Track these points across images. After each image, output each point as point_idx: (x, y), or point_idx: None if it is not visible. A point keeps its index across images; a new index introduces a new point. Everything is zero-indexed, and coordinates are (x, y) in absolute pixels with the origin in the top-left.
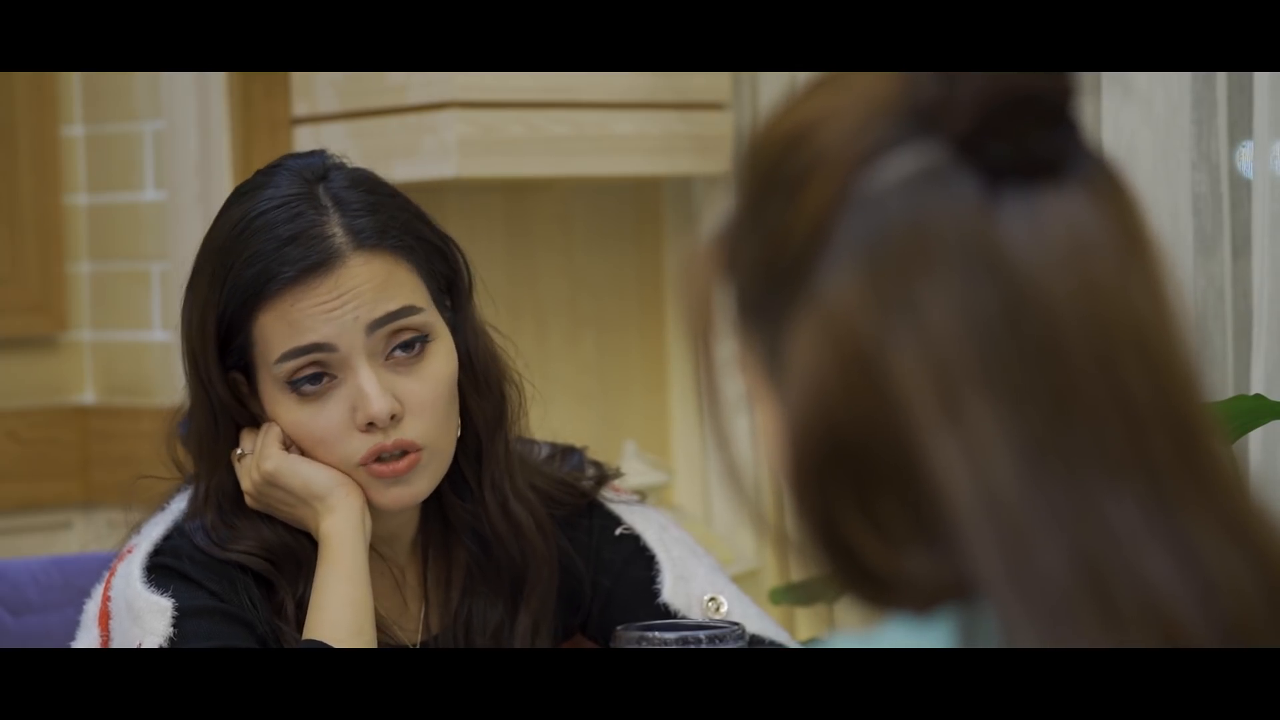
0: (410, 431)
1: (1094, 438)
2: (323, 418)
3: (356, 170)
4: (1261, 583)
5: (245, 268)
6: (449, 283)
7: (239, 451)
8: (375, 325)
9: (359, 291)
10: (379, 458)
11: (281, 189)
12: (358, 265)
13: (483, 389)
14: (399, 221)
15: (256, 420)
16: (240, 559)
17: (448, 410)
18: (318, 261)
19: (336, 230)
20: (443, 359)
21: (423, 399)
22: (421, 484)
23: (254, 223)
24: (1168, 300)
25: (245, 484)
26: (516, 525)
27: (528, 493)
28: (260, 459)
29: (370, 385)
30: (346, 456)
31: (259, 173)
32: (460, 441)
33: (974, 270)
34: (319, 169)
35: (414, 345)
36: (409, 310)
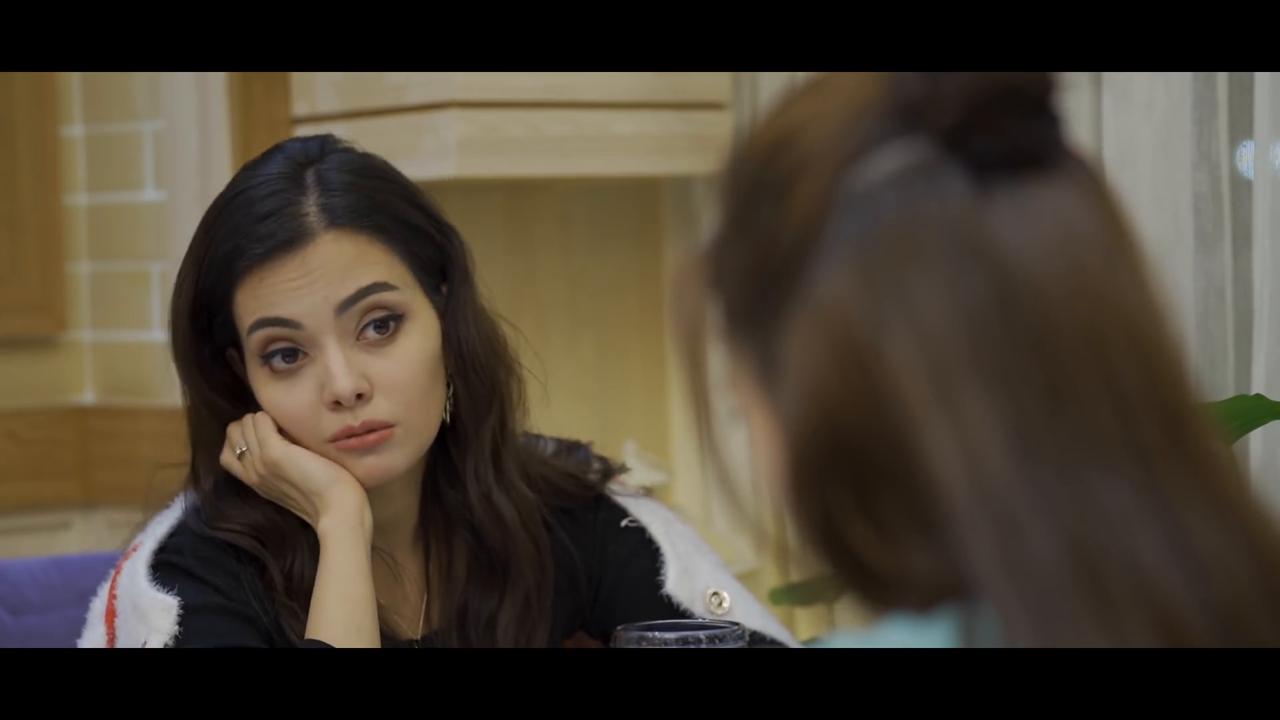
0: (380, 411)
1: (1086, 424)
2: (294, 395)
3: (355, 156)
4: (1254, 566)
5: (221, 243)
6: (440, 266)
7: (239, 450)
8: (345, 305)
9: (326, 270)
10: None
11: (271, 169)
12: (327, 243)
13: (470, 377)
14: (378, 202)
15: (249, 402)
16: (230, 538)
17: (425, 389)
18: (286, 239)
19: (311, 209)
20: (417, 339)
21: (393, 378)
22: (395, 457)
23: (234, 200)
24: (1154, 291)
25: (252, 477)
26: (498, 516)
27: (518, 484)
28: (264, 448)
29: (336, 364)
30: (317, 434)
31: (263, 154)
32: (451, 429)
33: (965, 262)
34: (315, 152)
35: (386, 325)
36: (378, 287)
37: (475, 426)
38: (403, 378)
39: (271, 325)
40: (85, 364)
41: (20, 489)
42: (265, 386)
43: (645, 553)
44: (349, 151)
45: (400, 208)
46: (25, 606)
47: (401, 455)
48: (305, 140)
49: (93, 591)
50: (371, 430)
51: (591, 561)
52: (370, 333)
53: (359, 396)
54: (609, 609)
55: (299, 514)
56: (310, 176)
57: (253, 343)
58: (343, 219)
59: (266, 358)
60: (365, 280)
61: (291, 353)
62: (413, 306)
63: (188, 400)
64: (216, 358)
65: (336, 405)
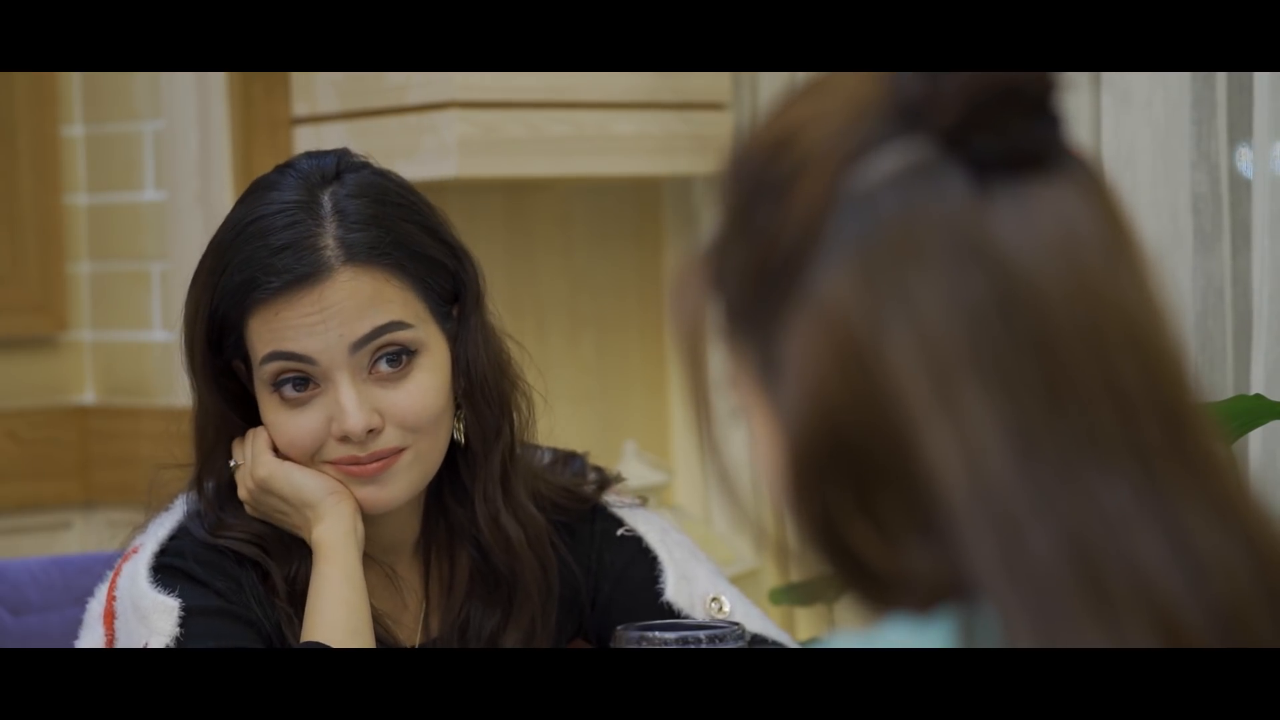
0: (390, 440)
1: (1085, 423)
2: (299, 424)
3: (372, 176)
4: (1254, 566)
5: (236, 272)
6: (453, 294)
7: (233, 463)
8: (359, 344)
9: (343, 308)
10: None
11: (286, 193)
12: (345, 280)
13: (479, 401)
14: (396, 236)
15: (254, 412)
16: (234, 545)
17: (435, 421)
18: (304, 273)
19: (329, 242)
20: (429, 373)
21: (405, 411)
22: (396, 488)
23: (251, 227)
24: (1154, 291)
25: (242, 493)
26: (506, 539)
27: (526, 505)
28: (253, 465)
29: (349, 401)
30: (319, 458)
31: (276, 169)
32: (462, 449)
33: (965, 262)
34: (330, 172)
35: (399, 359)
36: (393, 326)
37: (484, 450)
38: (414, 410)
39: (284, 359)
40: (85, 364)
41: (20, 489)
42: (272, 411)
43: (643, 561)
44: (365, 169)
45: (418, 239)
46: (25, 606)
47: (405, 482)
48: (320, 157)
49: (92, 592)
50: (378, 459)
51: (589, 572)
52: (383, 366)
53: (370, 431)
54: (607, 617)
55: (290, 529)
56: (327, 202)
57: (264, 372)
58: (361, 255)
59: (277, 385)
60: (381, 319)
61: (302, 382)
62: (426, 341)
63: (196, 409)
64: (224, 370)
65: (345, 439)
